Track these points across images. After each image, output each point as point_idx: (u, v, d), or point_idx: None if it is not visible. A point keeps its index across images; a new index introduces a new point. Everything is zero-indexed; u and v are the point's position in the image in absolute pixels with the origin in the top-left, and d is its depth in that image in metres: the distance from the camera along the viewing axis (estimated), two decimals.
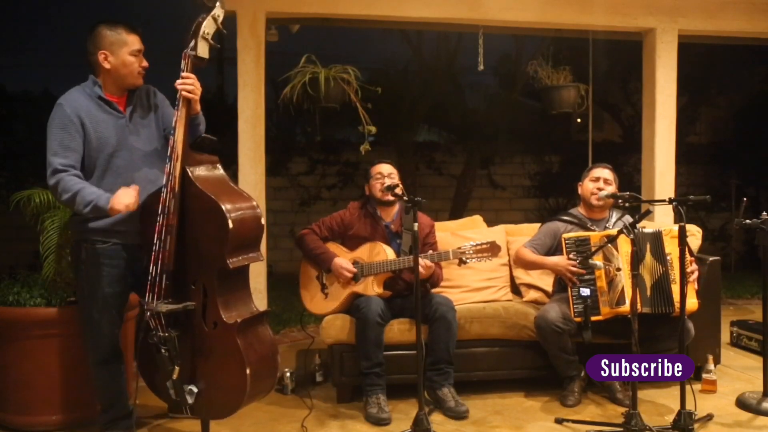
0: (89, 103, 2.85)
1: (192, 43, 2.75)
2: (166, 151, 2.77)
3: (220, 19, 2.78)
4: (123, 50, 2.85)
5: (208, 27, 2.74)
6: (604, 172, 3.87)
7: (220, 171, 2.86)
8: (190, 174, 2.72)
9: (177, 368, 2.75)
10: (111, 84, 2.89)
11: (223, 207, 2.65)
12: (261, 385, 2.81)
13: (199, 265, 2.74)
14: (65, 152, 2.75)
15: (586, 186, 3.88)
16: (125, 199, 2.67)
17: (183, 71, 2.76)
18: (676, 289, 3.42)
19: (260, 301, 4.12)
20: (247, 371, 2.66)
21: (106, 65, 2.85)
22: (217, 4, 2.75)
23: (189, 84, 2.75)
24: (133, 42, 2.87)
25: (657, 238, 3.48)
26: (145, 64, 2.89)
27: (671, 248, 3.46)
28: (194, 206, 2.71)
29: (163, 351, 2.74)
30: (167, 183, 2.71)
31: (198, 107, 2.83)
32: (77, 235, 2.93)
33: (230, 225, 2.63)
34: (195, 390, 2.76)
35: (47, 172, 2.75)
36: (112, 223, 2.82)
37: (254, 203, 2.83)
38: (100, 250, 2.86)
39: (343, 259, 3.67)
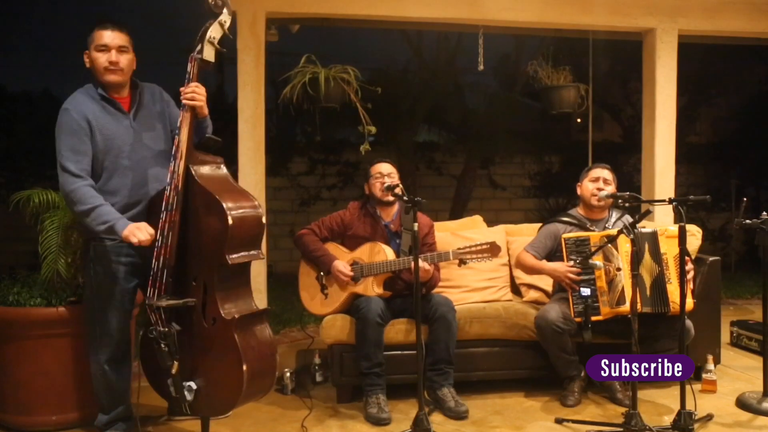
0: (94, 105, 2.88)
1: (198, 47, 2.82)
2: (173, 150, 2.83)
3: (227, 24, 2.85)
4: (92, 47, 2.89)
5: (214, 32, 2.81)
6: (603, 173, 3.87)
7: (223, 171, 2.93)
8: (193, 172, 2.79)
9: (176, 363, 2.78)
10: (102, 83, 2.91)
11: (223, 204, 2.70)
12: (258, 384, 2.82)
13: (200, 261, 2.79)
14: (77, 156, 2.80)
15: (586, 187, 3.88)
16: (141, 235, 2.73)
17: (189, 73, 2.82)
18: (671, 288, 3.43)
19: (260, 301, 4.11)
20: (244, 368, 2.68)
21: (87, 64, 2.91)
22: (224, 10, 2.83)
23: (191, 93, 2.81)
24: (99, 37, 2.87)
25: (654, 237, 3.48)
26: (113, 59, 2.86)
27: (666, 248, 3.46)
28: (197, 203, 2.78)
29: (162, 346, 2.78)
30: (171, 180, 2.77)
31: (205, 111, 2.88)
32: (86, 234, 2.97)
33: (230, 221, 2.69)
34: (194, 387, 2.80)
35: (60, 176, 2.80)
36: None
37: (256, 203, 2.88)
38: (109, 248, 2.90)
39: (342, 262, 3.67)
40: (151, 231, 2.75)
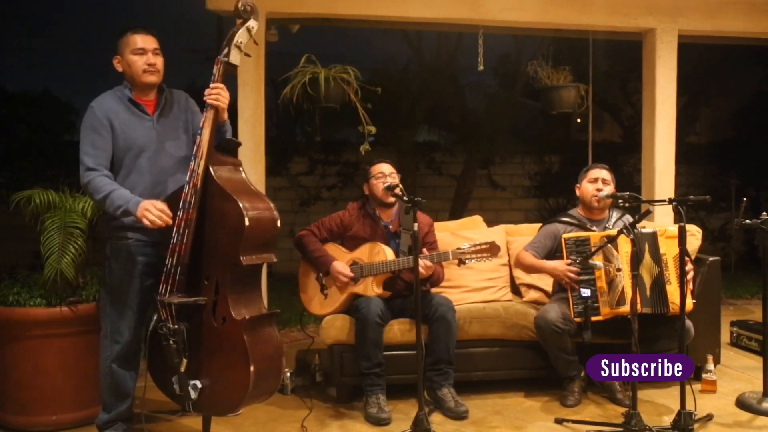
0: (118, 105, 2.98)
1: (225, 50, 2.88)
2: (194, 150, 2.88)
3: (254, 30, 2.92)
4: (126, 51, 2.97)
5: (241, 36, 2.89)
6: (601, 173, 3.87)
7: (242, 173, 2.96)
8: (212, 173, 2.82)
9: (185, 361, 2.80)
10: (133, 86, 3.00)
11: (241, 205, 2.73)
12: (264, 385, 2.83)
13: (213, 260, 2.81)
14: (95, 151, 2.89)
15: (585, 188, 3.88)
16: (150, 216, 2.74)
17: (214, 75, 2.88)
18: (671, 289, 3.43)
19: None
20: (251, 368, 2.70)
21: (119, 68, 3.00)
22: (252, 16, 2.90)
23: (215, 94, 2.86)
24: (134, 41, 2.96)
25: (654, 238, 3.48)
26: (151, 61, 2.96)
27: (666, 248, 3.47)
28: (214, 203, 2.81)
29: (171, 343, 2.79)
30: (190, 179, 2.81)
31: (225, 116, 2.94)
32: (106, 233, 3.04)
33: (246, 222, 2.71)
34: (199, 385, 2.81)
35: (80, 170, 2.90)
36: (135, 220, 2.89)
37: (272, 205, 2.89)
38: (122, 246, 2.96)
39: (341, 263, 3.67)
40: (164, 208, 2.75)
